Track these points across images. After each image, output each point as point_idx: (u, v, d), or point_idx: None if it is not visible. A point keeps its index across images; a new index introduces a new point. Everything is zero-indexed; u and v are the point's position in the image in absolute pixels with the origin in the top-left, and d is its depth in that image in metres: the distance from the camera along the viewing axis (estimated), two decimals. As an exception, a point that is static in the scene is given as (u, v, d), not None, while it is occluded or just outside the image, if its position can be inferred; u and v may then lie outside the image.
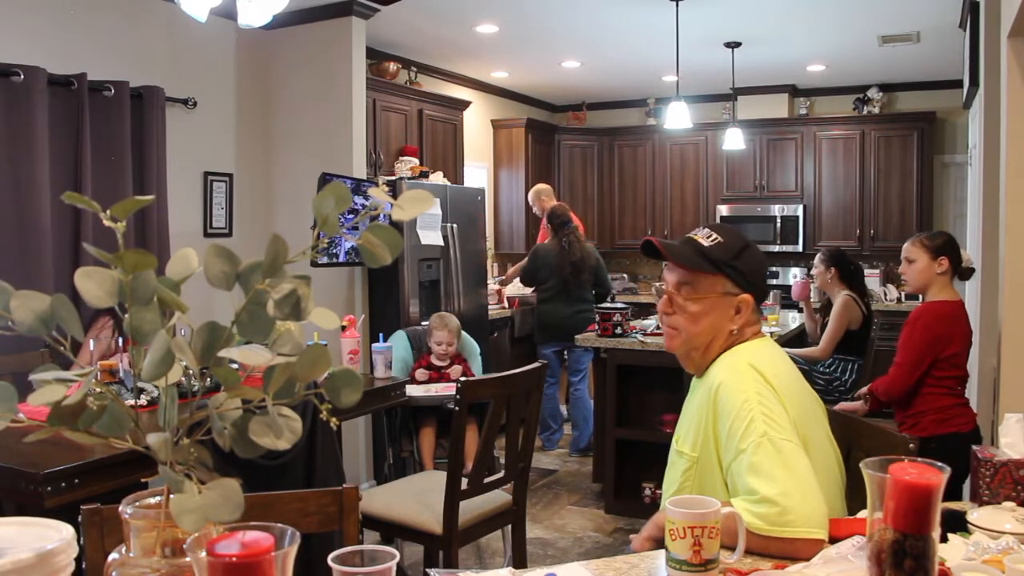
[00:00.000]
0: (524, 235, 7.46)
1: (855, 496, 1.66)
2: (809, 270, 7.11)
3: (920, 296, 3.51)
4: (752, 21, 5.34)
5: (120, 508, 0.92)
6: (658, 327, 4.79)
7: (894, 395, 3.21)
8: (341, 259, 4.56)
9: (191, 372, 0.90)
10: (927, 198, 6.98)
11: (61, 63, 3.84)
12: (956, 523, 1.44)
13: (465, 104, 6.39)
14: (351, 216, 3.59)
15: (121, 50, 4.22)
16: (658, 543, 1.46)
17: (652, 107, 8.13)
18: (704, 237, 1.72)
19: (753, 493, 1.47)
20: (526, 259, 5.97)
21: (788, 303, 5.73)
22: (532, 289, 5.87)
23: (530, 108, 8.13)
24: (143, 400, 2.51)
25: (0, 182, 3.60)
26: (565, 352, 5.78)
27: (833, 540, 1.42)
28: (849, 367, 4.54)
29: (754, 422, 1.52)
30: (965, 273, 3.30)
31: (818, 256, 4.66)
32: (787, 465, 1.47)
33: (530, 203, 6.54)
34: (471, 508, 2.96)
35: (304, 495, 1.67)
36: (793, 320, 5.55)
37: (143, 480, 0.95)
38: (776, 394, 1.56)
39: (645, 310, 6.61)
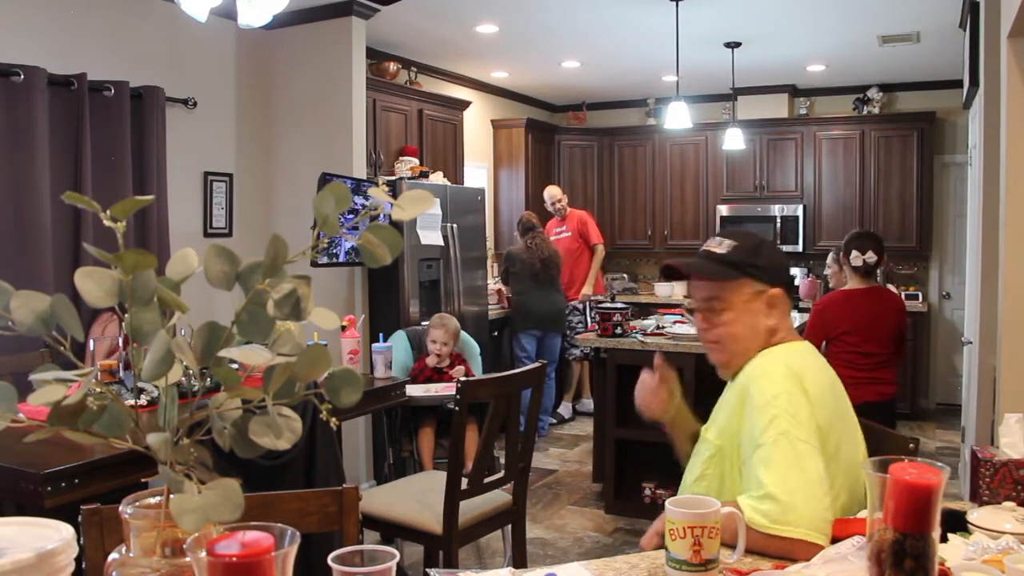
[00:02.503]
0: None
1: None
2: (810, 270, 7.14)
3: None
4: (752, 21, 5.34)
5: (120, 508, 0.92)
6: (659, 326, 4.80)
7: None
8: (341, 259, 4.56)
9: (191, 372, 0.90)
10: (927, 198, 6.98)
11: (61, 63, 3.84)
12: (956, 523, 1.44)
13: (465, 104, 6.39)
14: (351, 216, 3.59)
15: (121, 50, 4.22)
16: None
17: (652, 107, 8.13)
18: (717, 245, 1.72)
19: (760, 487, 1.47)
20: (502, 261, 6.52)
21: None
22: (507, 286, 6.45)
23: (530, 108, 8.13)
24: (143, 400, 2.51)
25: (0, 182, 3.60)
26: (542, 339, 6.30)
27: (833, 540, 1.42)
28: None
29: (777, 419, 1.52)
30: (860, 269, 3.98)
31: (831, 255, 4.72)
32: (800, 467, 1.47)
33: (549, 204, 6.81)
34: (471, 508, 2.95)
35: (304, 495, 1.67)
36: (794, 319, 5.55)
37: (143, 480, 0.95)
38: (807, 399, 1.56)
39: (645, 310, 6.61)
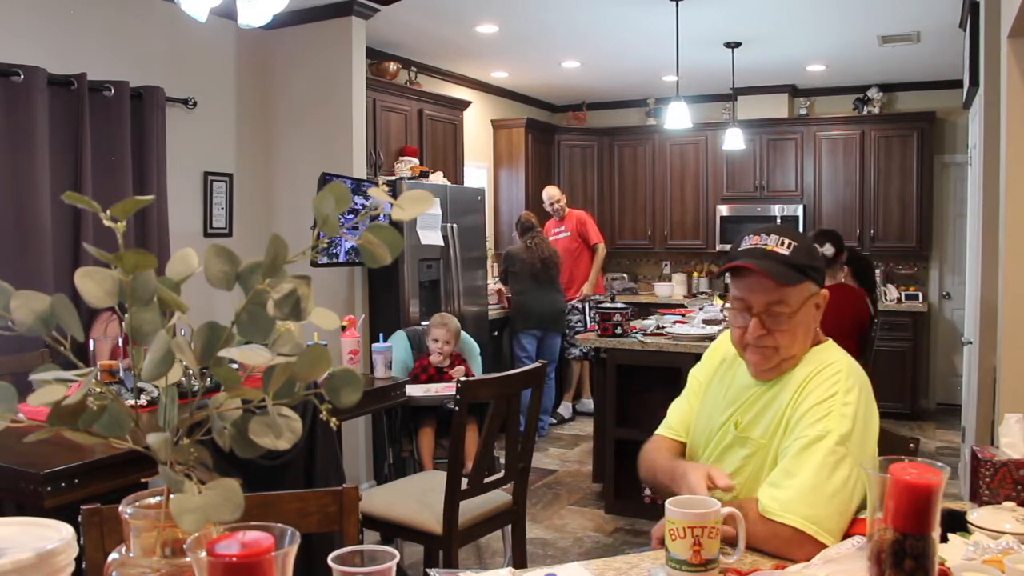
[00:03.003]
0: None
1: None
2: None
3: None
4: (752, 21, 5.34)
5: (120, 508, 0.92)
6: (659, 326, 4.79)
7: None
8: (341, 259, 4.56)
9: (191, 372, 0.90)
10: (927, 198, 6.98)
11: (61, 63, 3.83)
12: (956, 523, 1.44)
13: (465, 104, 6.39)
14: (351, 216, 3.59)
15: (121, 50, 4.22)
16: None
17: (652, 107, 8.13)
18: (777, 245, 1.62)
19: (784, 476, 1.48)
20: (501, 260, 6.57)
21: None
22: (507, 286, 6.48)
23: (530, 108, 8.12)
24: (143, 400, 2.51)
25: (0, 182, 3.60)
26: (542, 339, 6.33)
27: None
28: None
29: (828, 416, 1.52)
30: (828, 262, 4.02)
31: None
32: (829, 468, 1.47)
33: (548, 204, 6.83)
34: (471, 508, 2.95)
35: (304, 495, 1.66)
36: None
37: (143, 480, 0.95)
38: (859, 403, 1.56)
39: (645, 310, 6.62)
